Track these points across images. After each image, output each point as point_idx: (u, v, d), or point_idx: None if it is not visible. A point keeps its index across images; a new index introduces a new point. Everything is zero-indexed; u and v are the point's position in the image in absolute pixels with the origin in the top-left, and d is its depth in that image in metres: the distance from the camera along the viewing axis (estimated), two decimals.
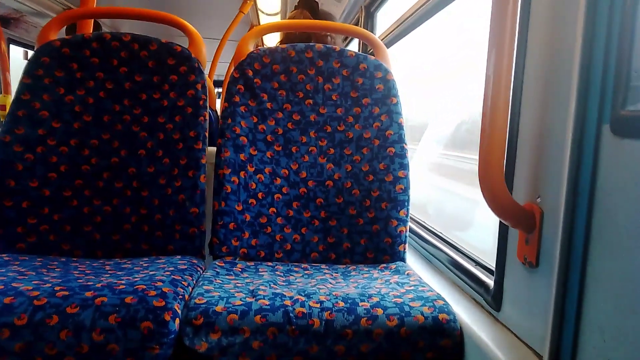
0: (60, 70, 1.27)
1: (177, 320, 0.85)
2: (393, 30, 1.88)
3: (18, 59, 3.51)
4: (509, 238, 0.84)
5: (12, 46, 3.39)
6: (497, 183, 0.73)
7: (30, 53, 3.54)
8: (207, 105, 1.32)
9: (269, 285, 0.98)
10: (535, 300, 0.75)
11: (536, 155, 0.77)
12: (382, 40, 1.65)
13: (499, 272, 0.86)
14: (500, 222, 0.85)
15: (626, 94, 0.58)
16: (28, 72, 1.26)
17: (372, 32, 2.29)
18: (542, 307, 0.71)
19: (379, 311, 0.86)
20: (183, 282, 0.95)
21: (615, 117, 0.60)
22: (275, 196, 1.28)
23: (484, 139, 0.73)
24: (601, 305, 0.61)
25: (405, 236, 1.24)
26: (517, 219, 0.76)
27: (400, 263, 1.19)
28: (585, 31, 0.65)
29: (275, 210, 1.27)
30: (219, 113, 3.33)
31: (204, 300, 0.88)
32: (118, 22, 3.89)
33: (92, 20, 1.79)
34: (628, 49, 0.58)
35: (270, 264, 1.20)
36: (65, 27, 1.45)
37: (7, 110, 1.27)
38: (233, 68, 1.36)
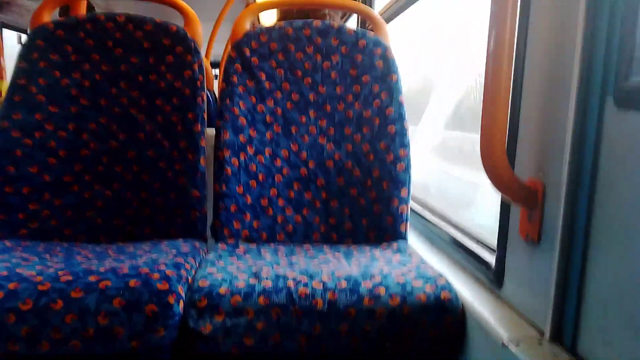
0: (55, 53, 1.26)
1: (181, 303, 0.86)
2: (392, 5, 1.84)
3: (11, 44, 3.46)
4: (510, 214, 0.84)
5: (5, 31, 3.34)
6: (499, 159, 0.72)
7: (24, 37, 3.49)
8: (205, 86, 1.30)
9: (272, 266, 0.99)
10: (537, 276, 0.75)
11: (538, 130, 0.76)
12: (381, 15, 1.62)
13: (501, 249, 0.86)
14: (502, 198, 0.84)
15: (630, 65, 0.57)
16: (23, 56, 1.25)
17: (371, 7, 2.25)
18: (544, 284, 0.71)
19: (382, 290, 0.87)
20: (186, 265, 0.96)
21: (619, 88, 0.59)
22: (276, 177, 1.28)
23: (486, 114, 0.72)
24: (603, 281, 0.61)
25: (407, 215, 1.24)
26: (519, 195, 0.76)
27: (402, 242, 1.19)
28: (588, 2, 0.63)
29: (276, 192, 1.27)
30: (216, 94, 3.30)
31: (208, 283, 0.88)
32: (111, 2, 3.82)
33: (85, 1, 1.76)
34: (632, 19, 0.57)
35: (272, 245, 1.21)
36: (58, 9, 1.43)
37: (3, 95, 1.26)
38: (230, 47, 1.34)
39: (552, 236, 0.70)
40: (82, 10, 1.75)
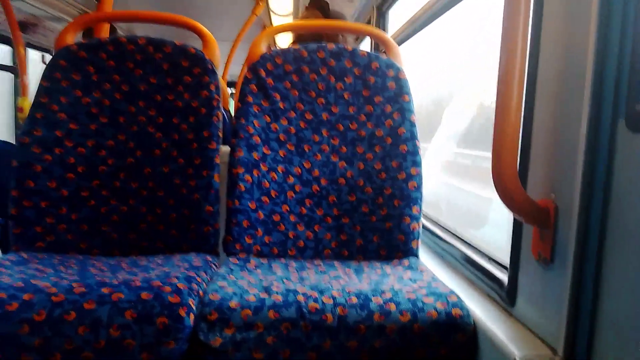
0: (77, 74, 1.30)
1: (192, 316, 0.86)
2: (405, 29, 1.87)
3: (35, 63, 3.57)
4: (523, 234, 0.83)
5: (30, 50, 3.45)
6: (511, 179, 0.73)
7: (47, 57, 3.61)
8: (221, 105, 1.33)
9: (282, 281, 0.99)
10: (549, 295, 0.75)
11: (550, 151, 0.76)
12: (393, 38, 1.65)
13: (513, 267, 0.86)
14: (514, 218, 0.84)
15: None
16: (46, 75, 1.29)
17: (384, 30, 2.29)
18: (556, 303, 0.71)
19: (392, 307, 0.86)
20: (197, 279, 0.97)
21: (631, 112, 0.59)
22: (288, 194, 1.29)
23: (497, 134, 0.73)
24: (616, 300, 0.61)
25: (418, 233, 1.24)
26: (531, 215, 0.76)
27: (413, 259, 1.19)
28: (599, 26, 0.64)
29: (288, 208, 1.28)
30: (232, 113, 3.36)
31: (218, 296, 0.89)
32: (133, 25, 3.94)
33: (108, 24, 1.82)
34: None
35: (283, 260, 1.21)
36: (82, 31, 1.48)
37: (25, 111, 1.30)
38: (246, 69, 1.37)
39: (565, 255, 0.69)
40: (105, 32, 1.81)
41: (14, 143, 2.08)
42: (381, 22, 2.34)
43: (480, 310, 0.89)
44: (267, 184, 1.28)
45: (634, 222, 0.58)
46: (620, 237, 0.61)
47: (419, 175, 1.26)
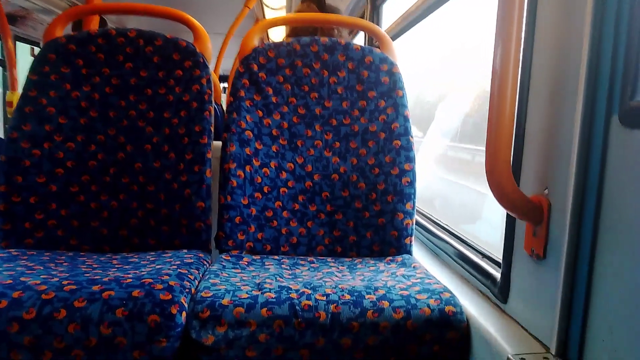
0: (66, 67, 1.28)
1: (184, 314, 0.85)
2: (399, 23, 1.86)
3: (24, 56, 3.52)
4: (516, 230, 0.83)
5: (19, 43, 3.40)
6: (504, 175, 0.72)
7: (37, 50, 3.56)
8: (212, 99, 1.32)
9: (275, 278, 0.98)
10: (542, 292, 0.75)
11: (544, 146, 0.76)
12: (387, 33, 1.64)
13: (506, 264, 0.86)
14: (507, 214, 0.84)
15: (635, 85, 0.58)
16: (35, 69, 1.27)
17: (377, 25, 2.28)
18: (549, 299, 0.71)
19: (385, 304, 0.86)
20: (189, 276, 0.96)
21: (624, 108, 0.59)
22: (281, 190, 1.28)
23: (491, 130, 0.72)
24: (609, 297, 0.61)
25: (412, 229, 1.24)
26: (524, 211, 0.76)
27: (406, 256, 1.19)
28: (593, 21, 0.64)
29: (281, 204, 1.28)
30: (224, 108, 3.34)
31: (211, 294, 0.88)
32: (124, 17, 3.90)
33: (98, 16, 1.79)
34: (637, 39, 0.58)
35: (276, 257, 1.21)
36: (71, 23, 1.46)
37: (14, 106, 1.28)
38: (238, 63, 1.36)
39: (558, 252, 0.69)
40: (95, 25, 1.79)
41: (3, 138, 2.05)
42: (375, 15, 2.32)
43: (474, 307, 0.89)
44: (260, 180, 1.27)
45: (627, 219, 0.58)
46: (614, 234, 0.61)
47: (412, 171, 1.26)
